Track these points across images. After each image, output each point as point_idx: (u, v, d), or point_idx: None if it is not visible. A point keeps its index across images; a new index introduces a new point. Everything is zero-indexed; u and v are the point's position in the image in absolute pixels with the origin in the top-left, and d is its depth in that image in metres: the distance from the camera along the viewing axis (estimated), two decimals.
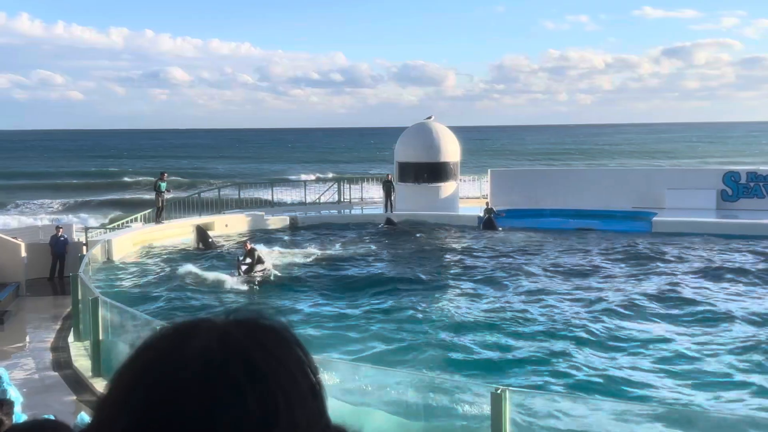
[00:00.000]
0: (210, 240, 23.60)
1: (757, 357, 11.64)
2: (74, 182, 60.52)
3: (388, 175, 30.17)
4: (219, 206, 28.83)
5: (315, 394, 0.80)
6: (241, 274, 17.93)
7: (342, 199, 31.47)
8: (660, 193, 28.02)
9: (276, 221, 27.69)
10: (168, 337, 0.81)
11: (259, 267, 18.15)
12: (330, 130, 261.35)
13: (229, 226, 26.36)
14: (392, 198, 28.77)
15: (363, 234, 25.64)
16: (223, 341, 0.77)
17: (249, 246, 18.46)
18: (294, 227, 27.44)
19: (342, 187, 31.96)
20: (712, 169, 36.55)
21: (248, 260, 18.07)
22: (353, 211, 30.41)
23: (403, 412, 7.46)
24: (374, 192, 32.72)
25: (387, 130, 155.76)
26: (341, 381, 7.84)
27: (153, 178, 30.13)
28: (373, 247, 23.33)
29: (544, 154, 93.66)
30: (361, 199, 32.32)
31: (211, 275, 18.28)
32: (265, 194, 32.34)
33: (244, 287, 17.42)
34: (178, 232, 24.91)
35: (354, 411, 7.56)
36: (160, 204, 25.08)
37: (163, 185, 24.91)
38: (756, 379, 10.69)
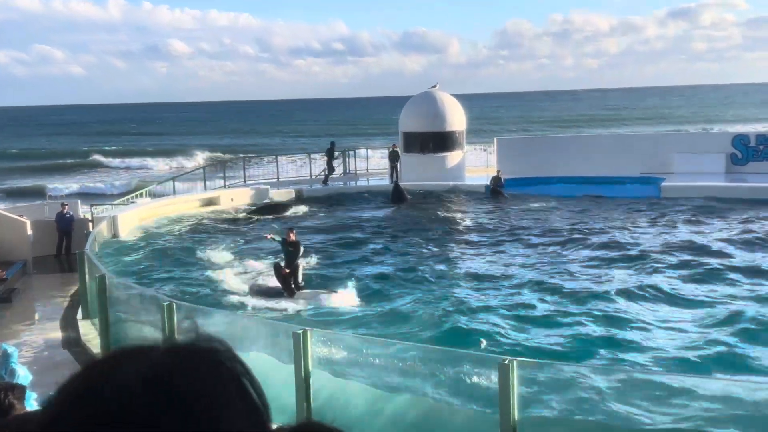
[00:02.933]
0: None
1: None
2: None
3: (393, 144, 30.05)
4: (224, 180, 28.83)
5: (253, 415, 0.78)
6: (282, 274, 14.80)
7: (348, 171, 31.39)
8: (668, 158, 27.82)
9: (282, 194, 27.68)
10: (95, 367, 0.79)
11: (300, 262, 15.04)
12: (333, 100, 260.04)
13: (234, 200, 26.37)
14: (398, 168, 28.70)
15: (371, 205, 25.65)
16: (149, 371, 0.76)
17: (293, 236, 15.32)
18: (300, 200, 27.45)
19: (347, 158, 31.86)
20: (721, 132, 36.27)
21: (290, 249, 15.00)
22: (359, 183, 30.36)
23: (410, 386, 7.50)
24: (379, 162, 32.68)
25: (391, 100, 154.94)
26: (347, 354, 7.89)
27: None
28: (381, 217, 23.33)
29: (551, 120, 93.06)
30: (367, 170, 32.24)
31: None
32: (270, 167, 32.29)
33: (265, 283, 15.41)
34: (185, 207, 24.95)
35: (361, 388, 7.61)
36: (329, 170, 28.30)
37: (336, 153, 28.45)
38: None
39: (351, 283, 14.81)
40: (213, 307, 11.49)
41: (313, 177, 30.61)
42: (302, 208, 25.46)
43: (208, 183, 28.50)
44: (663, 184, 25.66)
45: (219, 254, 18.08)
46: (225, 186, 28.40)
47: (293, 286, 14.60)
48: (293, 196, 27.77)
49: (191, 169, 34.09)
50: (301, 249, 15.08)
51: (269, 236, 16.33)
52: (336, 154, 29.22)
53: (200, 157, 59.26)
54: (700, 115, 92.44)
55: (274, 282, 15.09)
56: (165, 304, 9.15)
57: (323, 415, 1.08)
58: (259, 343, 8.53)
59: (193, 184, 29.55)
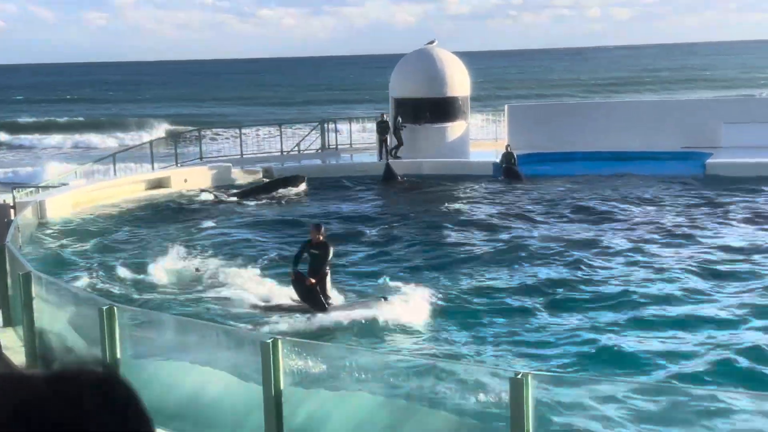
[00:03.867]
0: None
1: None
2: None
3: (381, 114, 30.07)
4: (176, 157, 28.78)
5: None
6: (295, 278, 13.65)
7: (327, 146, 31.41)
8: (715, 129, 27.96)
9: (246, 174, 27.64)
10: None
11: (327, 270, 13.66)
12: (309, 60, 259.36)
13: (188, 181, 26.34)
14: (388, 142, 28.72)
15: (354, 188, 25.66)
16: (22, 401, 0.83)
17: (322, 236, 13.60)
18: (269, 179, 27.43)
19: (326, 130, 31.85)
20: None
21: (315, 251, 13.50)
22: (341, 160, 30.38)
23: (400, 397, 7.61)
24: (365, 135, 32.71)
25: (379, 59, 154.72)
26: (327, 367, 7.98)
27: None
28: (366, 206, 23.38)
29: (573, 84, 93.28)
30: (350, 144, 32.26)
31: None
32: (232, 141, 32.26)
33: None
34: (130, 189, 24.91)
35: (349, 397, 7.69)
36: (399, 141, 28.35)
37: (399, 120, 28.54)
38: None
39: (383, 288, 14.41)
40: (163, 312, 11.50)
41: (283, 153, 30.60)
42: (301, 188, 25.38)
43: (156, 162, 28.42)
44: (708, 161, 25.80)
45: (176, 249, 17.73)
46: (177, 164, 28.35)
47: (322, 298, 13.28)
48: (260, 175, 27.74)
49: (135, 145, 33.93)
50: (331, 252, 13.55)
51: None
52: (399, 121, 28.49)
53: (147, 130, 59.06)
54: (753, 77, 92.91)
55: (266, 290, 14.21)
56: (104, 308, 9.16)
57: None
58: (221, 356, 8.58)
59: (137, 163, 29.48)
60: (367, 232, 19.43)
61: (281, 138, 31.49)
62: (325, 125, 32.02)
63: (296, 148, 31.30)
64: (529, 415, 6.36)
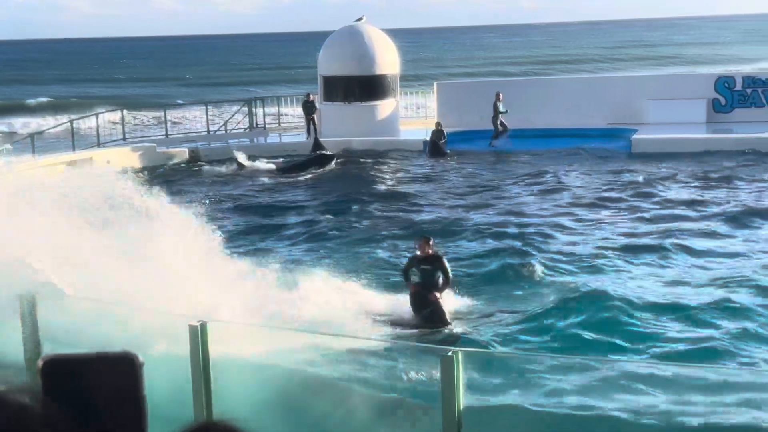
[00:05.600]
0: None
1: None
2: None
3: (308, 94, 29.91)
4: (97, 137, 28.20)
5: None
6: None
7: (255, 125, 31.14)
8: (641, 106, 28.60)
9: (171, 155, 27.30)
10: None
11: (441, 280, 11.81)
12: (234, 37, 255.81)
13: (111, 162, 25.83)
14: (317, 122, 28.61)
15: (283, 167, 25.54)
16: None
17: (430, 248, 11.96)
18: (195, 161, 27.16)
19: (254, 109, 31.57)
20: (701, 74, 37.45)
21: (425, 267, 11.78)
22: (269, 140, 30.17)
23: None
24: (293, 114, 32.55)
25: (307, 36, 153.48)
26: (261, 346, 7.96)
27: None
28: (299, 186, 23.29)
29: (505, 62, 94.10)
30: (279, 124, 32.07)
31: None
32: (157, 122, 31.74)
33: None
34: (45, 172, 24.28)
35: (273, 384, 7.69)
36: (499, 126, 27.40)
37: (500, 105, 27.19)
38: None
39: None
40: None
41: (210, 132, 30.27)
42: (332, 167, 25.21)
43: (76, 142, 27.77)
44: (634, 137, 26.40)
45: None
46: (99, 144, 27.77)
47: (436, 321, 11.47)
48: (186, 156, 27.44)
49: (52, 126, 33.10)
50: (448, 265, 11.83)
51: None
52: (501, 107, 27.50)
53: (65, 111, 57.57)
54: (678, 56, 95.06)
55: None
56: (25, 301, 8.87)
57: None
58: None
59: (54, 143, 28.77)
60: (295, 219, 19.36)
61: (207, 117, 31.15)
62: (253, 104, 31.75)
63: (223, 128, 30.97)
64: (460, 392, 6.44)
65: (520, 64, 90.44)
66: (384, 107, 29.46)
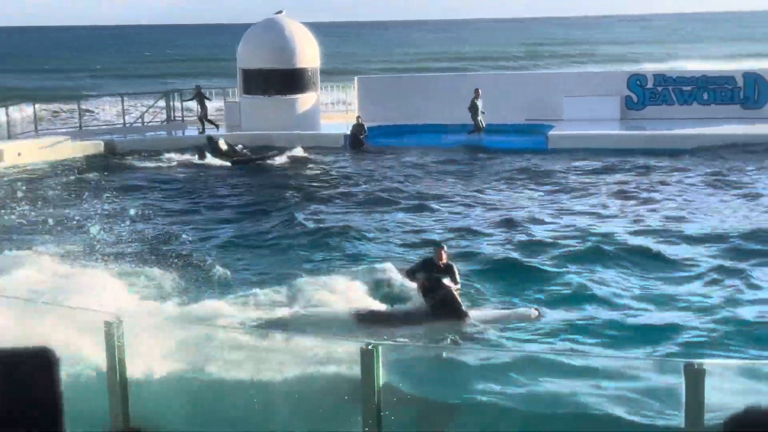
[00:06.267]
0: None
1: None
2: None
3: (196, 86, 29.72)
4: (8, 129, 27.39)
5: None
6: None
7: (173, 118, 30.69)
8: (557, 102, 29.18)
9: (86, 147, 26.72)
10: None
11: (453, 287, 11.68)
12: (149, 28, 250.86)
13: (22, 155, 25.14)
14: (204, 112, 28.77)
15: (195, 161, 25.25)
16: None
17: (445, 256, 12.07)
18: (111, 154, 26.67)
19: (171, 102, 31.10)
20: (615, 71, 38.40)
21: (444, 279, 11.61)
22: (187, 132, 29.77)
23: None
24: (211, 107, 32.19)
25: (226, 29, 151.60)
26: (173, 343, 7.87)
27: None
28: (210, 182, 23.04)
29: (429, 58, 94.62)
30: (197, 116, 31.63)
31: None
32: (70, 114, 30.99)
33: None
34: None
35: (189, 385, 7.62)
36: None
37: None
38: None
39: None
40: None
41: (126, 125, 29.73)
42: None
43: None
44: (550, 132, 26.93)
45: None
46: (9, 137, 26.96)
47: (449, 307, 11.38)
48: (102, 149, 26.92)
49: None
50: (458, 274, 11.92)
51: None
52: (480, 104, 27.54)
53: None
54: (595, 54, 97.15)
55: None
56: None
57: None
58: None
59: None
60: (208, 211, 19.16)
61: (123, 110, 30.61)
62: (171, 97, 31.27)
63: (140, 120, 30.43)
64: (379, 384, 6.49)
65: (442, 60, 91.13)
66: (304, 101, 29.36)
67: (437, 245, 12.39)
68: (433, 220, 17.62)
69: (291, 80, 29.06)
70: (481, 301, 12.32)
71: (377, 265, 13.33)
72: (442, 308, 11.25)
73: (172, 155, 25.90)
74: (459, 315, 11.21)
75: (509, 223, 16.97)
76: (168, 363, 7.89)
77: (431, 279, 11.48)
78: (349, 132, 27.11)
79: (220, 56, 79.56)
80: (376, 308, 11.70)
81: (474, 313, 11.38)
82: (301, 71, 29.24)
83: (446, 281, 11.47)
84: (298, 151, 25.60)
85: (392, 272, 12.92)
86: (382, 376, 6.40)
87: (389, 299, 12.08)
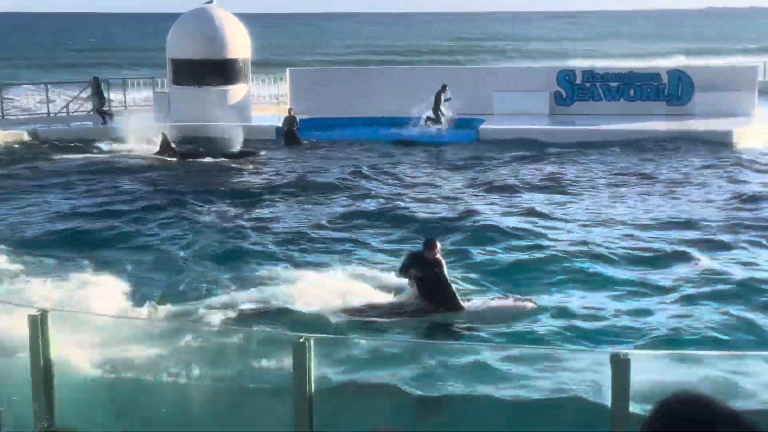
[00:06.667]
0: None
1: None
2: None
3: (93, 78, 29.41)
4: None
5: None
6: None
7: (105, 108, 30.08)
8: (488, 97, 29.45)
9: (7, 137, 26.04)
10: None
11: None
12: (75, 16, 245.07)
13: None
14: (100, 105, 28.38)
15: (124, 154, 24.79)
16: None
17: (438, 251, 11.71)
18: (35, 143, 26.09)
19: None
20: (545, 67, 38.92)
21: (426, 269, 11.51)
22: (115, 122, 29.16)
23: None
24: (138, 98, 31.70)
25: (154, 18, 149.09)
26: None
27: None
28: (141, 174, 22.64)
29: (362, 51, 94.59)
30: (125, 107, 31.08)
31: None
32: None
33: None
34: None
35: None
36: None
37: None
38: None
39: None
40: None
41: (50, 114, 29.04)
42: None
43: None
44: (481, 126, 27.20)
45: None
46: None
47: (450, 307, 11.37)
48: (24, 138, 26.33)
49: None
50: (446, 270, 11.70)
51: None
52: (445, 96, 27.48)
53: None
54: (530, 48, 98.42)
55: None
56: None
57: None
58: None
59: None
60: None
61: (47, 99, 29.89)
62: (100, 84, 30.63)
63: (65, 110, 29.74)
64: (311, 377, 6.47)
65: (377, 53, 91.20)
66: (235, 92, 29.06)
67: (430, 239, 12.09)
68: (379, 214, 17.55)
69: (221, 71, 28.73)
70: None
71: (353, 265, 13.36)
72: (438, 301, 11.27)
73: (101, 145, 25.41)
74: (456, 307, 11.25)
75: (449, 214, 17.14)
76: (92, 359, 7.73)
77: (427, 272, 11.35)
78: (281, 124, 26.93)
79: (148, 46, 78.20)
80: (371, 303, 11.56)
81: (470, 305, 11.38)
82: (232, 62, 28.94)
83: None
84: (241, 146, 25.10)
85: (370, 271, 12.93)
86: (314, 370, 6.38)
87: (381, 294, 11.94)
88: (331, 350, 7.35)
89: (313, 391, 6.42)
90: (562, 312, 11.42)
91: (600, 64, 36.53)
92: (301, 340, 6.55)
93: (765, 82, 34.38)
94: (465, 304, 11.36)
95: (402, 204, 18.29)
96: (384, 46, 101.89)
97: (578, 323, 11.00)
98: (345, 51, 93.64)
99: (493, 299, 11.74)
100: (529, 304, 11.46)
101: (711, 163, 22.51)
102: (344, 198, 19.09)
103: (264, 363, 7.46)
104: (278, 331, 9.41)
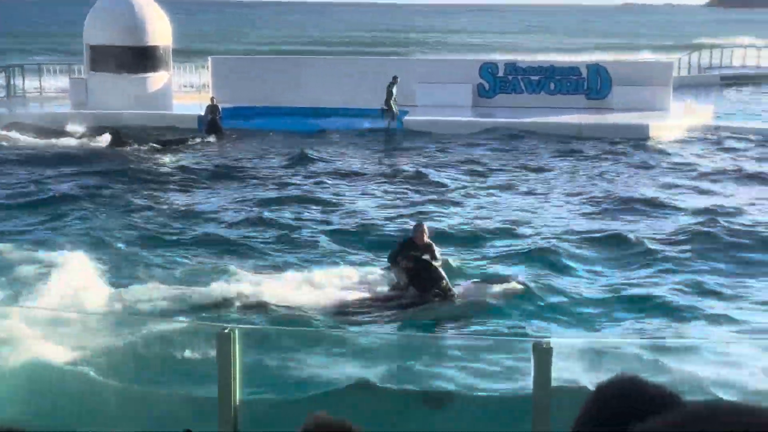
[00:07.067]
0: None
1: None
2: None
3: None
4: None
5: None
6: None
7: (14, 93, 29.27)
8: (412, 88, 29.57)
9: None
10: None
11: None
12: None
13: None
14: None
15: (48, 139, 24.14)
16: None
17: (425, 235, 11.68)
18: None
19: (13, 76, 29.61)
20: (467, 59, 39.29)
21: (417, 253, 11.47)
22: (31, 109, 28.42)
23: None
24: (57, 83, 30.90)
25: (72, 2, 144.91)
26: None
27: None
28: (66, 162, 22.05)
29: (285, 41, 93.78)
30: (41, 93, 30.29)
31: None
32: None
33: None
34: None
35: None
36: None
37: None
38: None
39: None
40: None
41: None
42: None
43: None
44: (406, 118, 27.32)
45: None
46: None
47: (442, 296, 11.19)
48: None
49: None
50: (438, 252, 11.53)
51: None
52: (394, 91, 26.87)
53: None
54: (454, 41, 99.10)
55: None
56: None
57: None
58: None
59: None
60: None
61: None
62: (11, 71, 29.83)
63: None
64: (236, 368, 6.40)
65: (299, 43, 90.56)
66: (156, 80, 28.53)
67: (418, 224, 12.02)
68: (301, 203, 17.51)
69: (141, 58, 28.16)
70: None
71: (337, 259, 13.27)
72: (431, 290, 11.11)
73: (14, 133, 24.63)
74: (446, 296, 11.10)
75: (373, 203, 17.19)
76: (14, 352, 7.52)
77: (417, 261, 11.19)
78: (203, 113, 26.54)
79: (64, 30, 76.09)
80: (361, 294, 11.44)
81: (461, 291, 11.30)
82: (153, 49, 28.39)
83: (430, 260, 11.29)
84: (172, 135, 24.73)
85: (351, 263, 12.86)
86: (239, 361, 6.31)
87: (370, 286, 11.86)
88: (261, 342, 7.27)
89: (239, 386, 6.35)
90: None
91: (522, 57, 37.08)
92: (226, 331, 6.46)
93: (679, 77, 35.48)
94: (457, 290, 11.25)
95: (322, 194, 18.31)
96: (307, 36, 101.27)
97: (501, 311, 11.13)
98: (267, 40, 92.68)
99: (483, 281, 11.73)
100: (519, 286, 11.44)
101: (627, 157, 23.11)
102: (274, 187, 19.05)
103: (187, 354, 7.36)
104: (205, 322, 9.30)
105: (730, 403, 0.91)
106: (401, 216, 16.30)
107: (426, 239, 11.51)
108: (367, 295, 11.49)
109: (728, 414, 0.86)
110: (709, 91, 37.37)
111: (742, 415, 0.85)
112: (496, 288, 11.43)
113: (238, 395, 6.26)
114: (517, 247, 14.23)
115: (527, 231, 15.33)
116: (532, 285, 11.70)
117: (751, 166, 21.73)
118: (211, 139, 25.26)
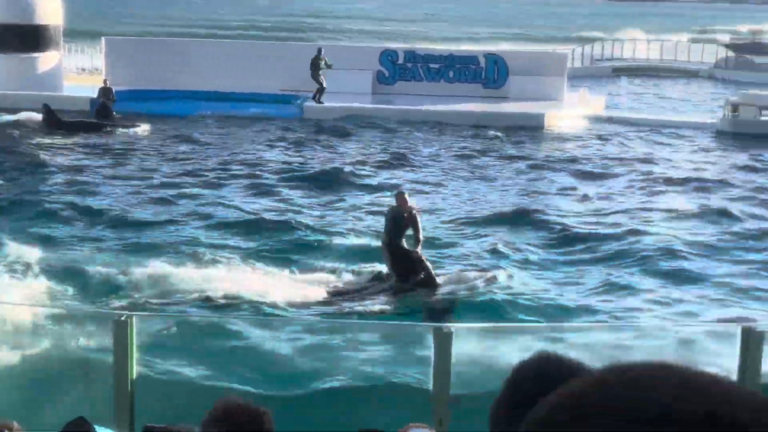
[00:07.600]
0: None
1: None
2: None
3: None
4: None
5: None
6: None
7: None
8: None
9: None
10: None
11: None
12: None
13: None
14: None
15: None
16: None
17: (406, 201, 11.55)
18: None
19: None
20: (368, 46, 39.36)
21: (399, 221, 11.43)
22: None
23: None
24: None
25: None
26: None
27: None
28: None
29: (181, 23, 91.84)
30: None
31: None
32: None
33: None
34: None
35: None
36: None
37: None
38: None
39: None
40: None
41: None
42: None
43: None
44: (306, 104, 27.20)
45: None
46: None
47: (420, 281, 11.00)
48: None
49: None
50: (419, 222, 11.27)
51: None
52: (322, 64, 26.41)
53: None
54: (354, 27, 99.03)
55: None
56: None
57: None
58: None
59: None
60: None
61: None
62: None
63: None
64: (133, 356, 6.32)
65: (195, 26, 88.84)
66: (45, 60, 27.57)
67: (399, 192, 11.74)
68: (198, 188, 17.29)
69: (30, 37, 27.14)
70: None
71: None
72: (411, 278, 10.98)
73: None
74: (428, 283, 10.96)
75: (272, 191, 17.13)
76: None
77: (399, 222, 11.02)
78: (96, 96, 25.77)
79: None
80: (343, 284, 11.26)
81: (443, 279, 11.20)
82: (42, 28, 27.40)
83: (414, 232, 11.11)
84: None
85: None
86: (136, 347, 6.24)
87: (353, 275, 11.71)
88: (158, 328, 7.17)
89: (135, 373, 6.28)
90: None
91: (422, 45, 37.39)
92: (123, 318, 6.39)
93: (573, 68, 36.46)
94: (439, 280, 11.14)
95: (217, 180, 18.15)
96: (205, 19, 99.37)
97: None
98: (163, 22, 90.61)
99: (463, 270, 11.74)
100: (491, 275, 11.45)
101: (522, 145, 23.70)
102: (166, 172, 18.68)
103: (83, 341, 7.21)
104: (100, 310, 9.11)
105: (646, 365, 0.78)
106: (300, 210, 16.27)
107: (407, 203, 11.36)
108: (351, 283, 11.44)
109: (641, 378, 0.76)
110: (601, 81, 38.57)
111: (658, 379, 0.75)
112: (475, 276, 11.43)
113: (132, 380, 6.20)
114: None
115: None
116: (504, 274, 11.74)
117: (639, 154, 22.62)
118: (99, 121, 24.54)
